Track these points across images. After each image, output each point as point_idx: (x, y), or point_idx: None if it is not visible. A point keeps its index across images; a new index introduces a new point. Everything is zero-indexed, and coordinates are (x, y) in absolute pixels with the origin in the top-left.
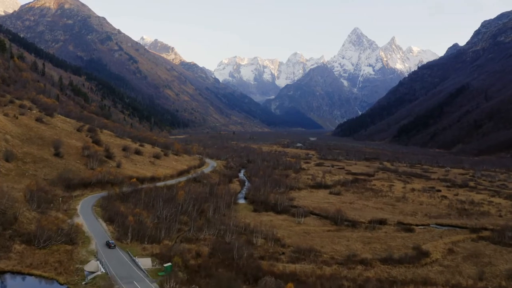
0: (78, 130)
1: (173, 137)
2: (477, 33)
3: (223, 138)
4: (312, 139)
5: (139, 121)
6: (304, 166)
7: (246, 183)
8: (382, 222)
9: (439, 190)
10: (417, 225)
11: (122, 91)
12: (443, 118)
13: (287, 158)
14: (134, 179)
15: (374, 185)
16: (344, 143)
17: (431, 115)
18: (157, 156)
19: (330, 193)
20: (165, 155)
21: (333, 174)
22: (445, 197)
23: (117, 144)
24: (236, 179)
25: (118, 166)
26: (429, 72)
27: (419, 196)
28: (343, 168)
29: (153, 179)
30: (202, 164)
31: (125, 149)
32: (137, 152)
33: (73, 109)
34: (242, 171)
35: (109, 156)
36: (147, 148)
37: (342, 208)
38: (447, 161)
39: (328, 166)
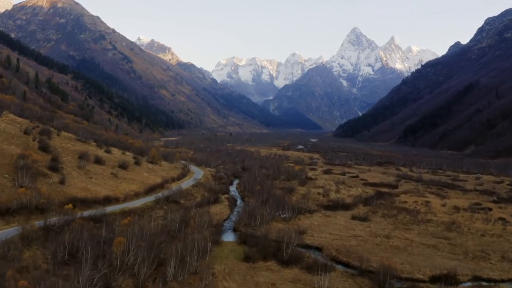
0: (26, 132)
1: (165, 139)
2: (480, 30)
3: (218, 140)
4: (313, 140)
5: (128, 122)
6: (310, 174)
7: (238, 202)
8: (451, 278)
9: (490, 209)
10: (502, 281)
11: (112, 90)
12: (451, 118)
13: (289, 163)
14: (70, 205)
15: (405, 202)
16: (347, 144)
17: (438, 114)
18: (123, 166)
19: (354, 218)
20: (136, 163)
21: (348, 185)
22: (504, 220)
23: (74, 151)
24: (225, 196)
25: (62, 182)
26: (433, 71)
27: (471, 220)
28: (357, 177)
29: (107, 200)
30: (184, 174)
31: (82, 156)
32: (98, 161)
33: (32, 107)
34: (235, 182)
35: (55, 167)
36: (115, 154)
37: (378, 246)
38: (469, 165)
39: (339, 174)
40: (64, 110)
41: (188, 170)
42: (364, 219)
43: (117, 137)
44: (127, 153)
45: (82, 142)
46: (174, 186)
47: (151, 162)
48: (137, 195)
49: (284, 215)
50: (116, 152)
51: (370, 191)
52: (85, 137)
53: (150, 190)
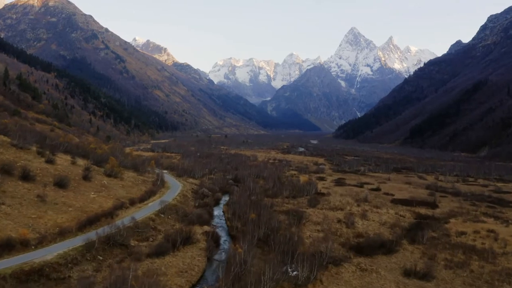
0: None
1: (154, 141)
2: (483, 27)
3: (212, 143)
4: (313, 142)
5: (114, 123)
6: (320, 186)
7: (222, 239)
8: None
9: None
10: None
11: (100, 90)
12: (461, 117)
13: (292, 170)
14: None
15: (464, 233)
16: (351, 146)
17: (447, 113)
18: (61, 183)
19: (407, 274)
20: (85, 178)
21: (373, 205)
22: None
23: None
24: (204, 229)
25: None
26: (437, 69)
27: None
28: (379, 190)
29: (7, 246)
30: (153, 191)
31: (2, 170)
32: (25, 176)
33: None
34: (223, 202)
35: None
36: (59, 165)
37: None
38: (496, 170)
39: (356, 186)
40: (34, 109)
41: (162, 184)
42: (424, 276)
43: (76, 140)
44: (80, 162)
45: (18, 148)
46: (131, 213)
47: (110, 175)
48: (62, 234)
49: (294, 272)
50: (63, 161)
51: (407, 214)
52: (25, 141)
53: (90, 222)
